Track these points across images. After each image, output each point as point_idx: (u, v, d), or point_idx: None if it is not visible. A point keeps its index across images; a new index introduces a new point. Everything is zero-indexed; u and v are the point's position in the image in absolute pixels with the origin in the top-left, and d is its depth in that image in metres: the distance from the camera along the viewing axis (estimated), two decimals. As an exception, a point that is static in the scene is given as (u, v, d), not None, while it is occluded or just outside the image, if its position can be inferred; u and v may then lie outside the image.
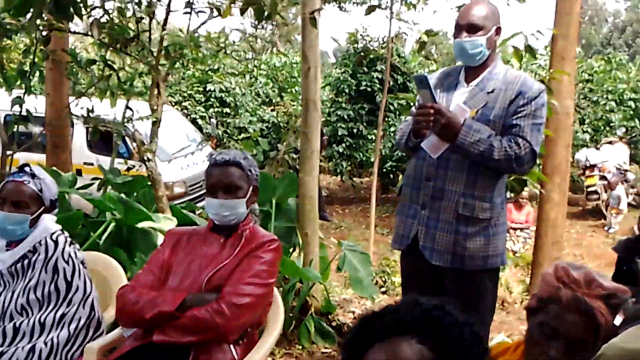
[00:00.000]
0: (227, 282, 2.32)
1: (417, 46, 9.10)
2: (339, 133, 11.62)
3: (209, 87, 12.64)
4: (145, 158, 4.01)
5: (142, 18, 4.04)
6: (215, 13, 4.07)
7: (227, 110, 12.79)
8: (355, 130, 11.69)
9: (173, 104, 12.15)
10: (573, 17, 5.54)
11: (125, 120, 4.67)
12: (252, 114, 13.39)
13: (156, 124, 4.04)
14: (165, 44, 3.92)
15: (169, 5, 3.90)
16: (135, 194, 4.79)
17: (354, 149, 11.81)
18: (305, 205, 4.66)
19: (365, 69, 11.57)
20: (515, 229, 9.23)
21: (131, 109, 4.76)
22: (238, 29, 35.22)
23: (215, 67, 12.91)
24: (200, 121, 12.37)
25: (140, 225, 3.92)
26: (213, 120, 11.76)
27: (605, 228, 10.41)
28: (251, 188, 2.48)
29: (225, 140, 12.50)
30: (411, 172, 2.87)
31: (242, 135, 12.82)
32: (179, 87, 12.91)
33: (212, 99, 12.74)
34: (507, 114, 2.66)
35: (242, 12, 3.79)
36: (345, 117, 11.64)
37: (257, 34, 33.89)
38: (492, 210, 2.73)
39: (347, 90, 11.74)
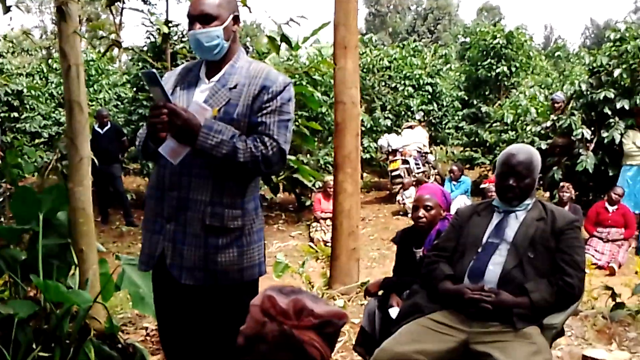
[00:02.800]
0: None
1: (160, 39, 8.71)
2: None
3: (-7, 90, 11.51)
4: None
5: None
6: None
7: (16, 114, 11.71)
8: (158, 129, 11.15)
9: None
10: (351, 5, 5.52)
11: None
12: (46, 117, 12.38)
13: None
14: None
15: None
16: None
17: (158, 147, 11.28)
18: (77, 219, 4.18)
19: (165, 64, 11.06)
20: (325, 219, 9.26)
21: None
22: (38, 26, 32.92)
23: (-2, 68, 11.80)
24: (-15, 128, 11.23)
25: None
26: (-4, 127, 10.71)
27: (401, 213, 10.83)
28: None
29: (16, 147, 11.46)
30: (154, 182, 2.54)
31: (37, 140, 11.84)
32: (-43, 92, 11.64)
33: (-3, 103, 11.63)
34: (251, 111, 2.42)
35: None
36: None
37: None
38: (245, 217, 2.48)
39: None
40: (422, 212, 3.44)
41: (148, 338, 4.69)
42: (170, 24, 4.09)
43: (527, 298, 2.58)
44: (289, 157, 2.99)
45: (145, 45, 11.54)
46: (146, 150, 2.53)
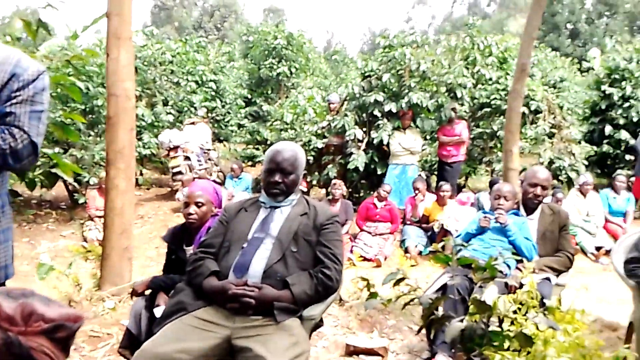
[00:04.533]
0: None
1: None
2: None
3: None
4: None
5: None
6: None
7: None
8: None
9: None
10: (125, -6, 5.31)
11: None
12: None
13: None
14: None
15: None
16: None
17: None
18: None
19: None
20: (100, 217, 8.83)
21: None
22: None
23: None
24: None
25: None
26: None
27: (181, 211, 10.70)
28: None
29: None
30: None
31: None
32: None
33: None
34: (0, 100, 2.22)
35: None
36: None
37: None
38: (-11, 215, 2.27)
39: None
40: (193, 209, 3.41)
41: None
42: None
43: (288, 291, 2.65)
44: (47, 150, 2.80)
45: None
46: None
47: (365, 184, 10.52)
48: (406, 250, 8.18)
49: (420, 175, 9.73)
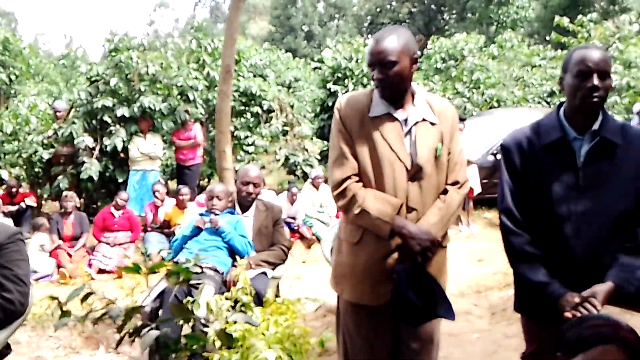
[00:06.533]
0: None
1: None
2: None
3: None
4: None
5: None
6: None
7: None
8: None
9: None
10: None
11: None
12: None
13: None
14: None
15: None
16: None
17: None
18: None
19: None
20: None
21: None
22: None
23: None
24: None
25: None
26: None
27: None
28: None
29: None
30: None
31: None
32: None
33: None
34: None
35: None
36: None
37: None
38: None
39: None
40: None
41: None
42: None
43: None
44: None
45: None
46: None
47: (103, 193, 10.04)
48: (148, 258, 7.96)
49: (159, 180, 9.53)
